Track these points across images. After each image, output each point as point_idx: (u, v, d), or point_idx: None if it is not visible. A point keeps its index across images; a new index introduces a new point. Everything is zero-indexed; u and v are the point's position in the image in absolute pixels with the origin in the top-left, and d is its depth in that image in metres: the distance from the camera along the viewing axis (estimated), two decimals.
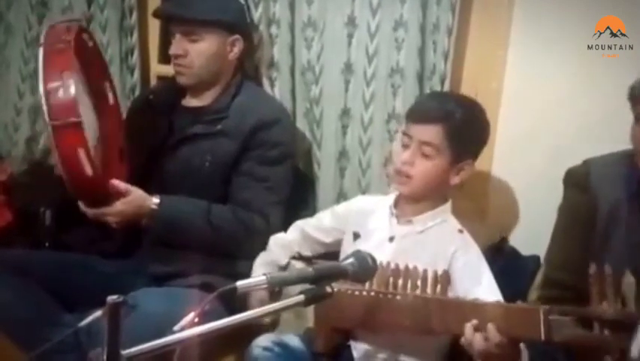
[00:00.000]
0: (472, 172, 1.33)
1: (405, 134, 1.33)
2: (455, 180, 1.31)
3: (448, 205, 1.35)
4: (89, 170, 1.27)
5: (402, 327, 1.16)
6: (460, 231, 1.33)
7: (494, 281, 1.25)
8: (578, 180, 1.33)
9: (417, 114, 1.33)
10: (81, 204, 1.40)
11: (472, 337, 1.04)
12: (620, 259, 0.86)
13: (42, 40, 1.30)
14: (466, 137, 1.29)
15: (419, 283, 1.14)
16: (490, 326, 1.02)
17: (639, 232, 1.22)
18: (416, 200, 1.33)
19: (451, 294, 1.16)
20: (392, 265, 1.17)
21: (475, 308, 1.07)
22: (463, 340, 1.06)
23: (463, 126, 1.28)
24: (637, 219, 1.24)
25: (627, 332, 0.92)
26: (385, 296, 1.16)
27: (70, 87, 1.25)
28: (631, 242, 1.21)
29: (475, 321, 1.04)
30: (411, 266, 1.16)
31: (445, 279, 1.14)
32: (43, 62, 1.27)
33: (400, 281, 1.15)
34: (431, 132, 1.27)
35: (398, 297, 1.15)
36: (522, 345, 1.10)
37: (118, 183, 1.39)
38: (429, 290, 1.14)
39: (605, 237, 1.24)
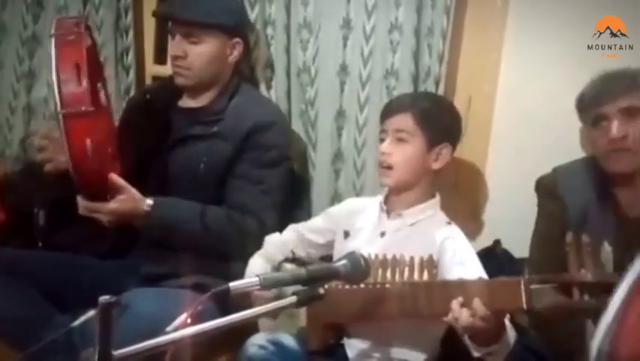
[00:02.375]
0: (451, 157, 1.37)
1: (381, 131, 1.40)
2: (435, 165, 1.35)
3: (436, 200, 1.39)
4: (94, 160, 1.28)
5: (391, 315, 1.18)
6: (448, 223, 1.37)
7: (482, 268, 1.27)
8: (547, 188, 1.41)
9: (387, 109, 1.41)
10: (79, 198, 1.39)
11: (459, 313, 1.06)
12: None
13: (52, 31, 1.30)
14: (436, 121, 1.35)
15: (406, 270, 1.17)
16: (477, 300, 1.05)
17: (608, 234, 1.25)
18: (403, 190, 1.36)
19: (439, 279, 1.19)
20: (380, 257, 1.19)
21: (459, 287, 1.10)
22: (450, 317, 1.08)
23: (431, 111, 1.35)
24: (605, 221, 1.27)
25: (606, 295, 0.93)
26: (374, 287, 1.18)
27: (83, 78, 1.26)
28: (603, 240, 1.24)
29: (460, 298, 1.07)
30: (398, 256, 1.18)
31: (430, 263, 1.17)
32: (55, 51, 1.27)
33: (389, 271, 1.18)
34: (401, 119, 1.34)
35: (387, 285, 1.18)
36: (508, 324, 1.12)
37: (116, 178, 1.39)
38: (416, 276, 1.16)
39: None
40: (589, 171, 1.35)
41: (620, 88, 1.27)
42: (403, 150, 1.33)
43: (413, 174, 1.34)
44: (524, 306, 1.04)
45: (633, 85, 1.26)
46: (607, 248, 1.22)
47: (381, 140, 1.38)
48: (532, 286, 1.03)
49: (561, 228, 1.32)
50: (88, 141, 1.26)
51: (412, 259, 1.18)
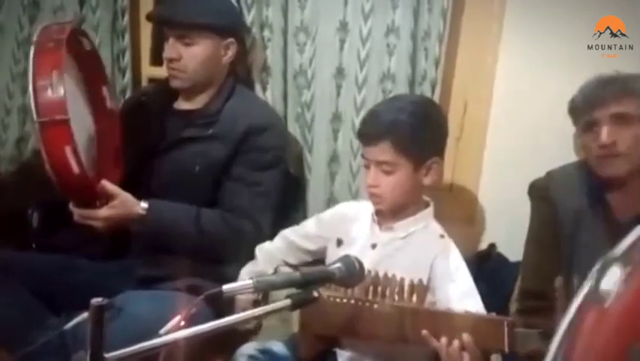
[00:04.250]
0: (442, 169, 1.32)
1: (363, 157, 1.33)
2: (427, 180, 1.29)
3: (429, 210, 1.35)
4: (75, 168, 1.26)
5: (378, 337, 1.15)
6: (442, 236, 1.33)
7: (474, 285, 1.26)
8: (540, 192, 1.40)
9: (363, 137, 1.32)
10: (71, 204, 1.39)
11: (450, 346, 1.05)
12: (586, 266, 0.89)
13: (35, 38, 1.30)
14: (419, 143, 1.26)
15: (397, 291, 1.14)
16: (466, 336, 1.04)
17: (602, 237, 1.25)
18: (397, 212, 1.33)
19: (430, 298, 1.17)
20: (372, 273, 1.16)
21: (446, 319, 1.08)
22: (436, 344, 1.07)
23: (411, 133, 1.25)
24: (598, 226, 1.27)
25: None
26: (364, 305, 1.15)
27: (59, 85, 1.25)
28: (595, 248, 1.24)
29: (444, 337, 1.06)
30: (390, 274, 1.15)
31: (420, 288, 1.13)
32: (33, 59, 1.26)
33: (380, 289, 1.14)
34: (381, 151, 1.26)
35: (375, 306, 1.14)
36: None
37: (106, 184, 1.38)
38: (405, 298, 1.14)
39: (571, 245, 1.27)
40: (581, 175, 1.35)
41: (611, 94, 1.26)
42: (390, 181, 1.26)
43: (405, 197, 1.30)
44: (506, 349, 1.03)
45: (624, 91, 1.26)
46: None
47: (366, 167, 1.31)
48: (518, 330, 1.02)
49: (554, 232, 1.33)
50: (67, 149, 1.24)
51: (402, 280, 1.14)
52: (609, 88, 1.27)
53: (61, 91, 1.25)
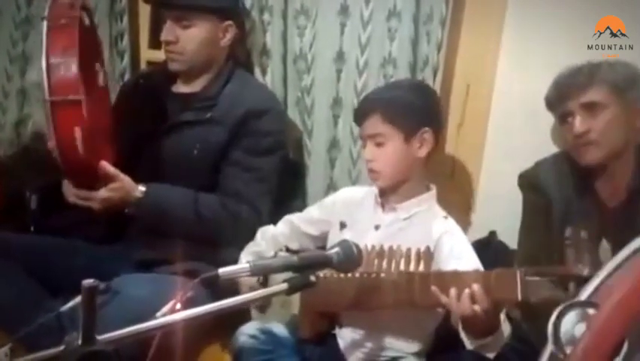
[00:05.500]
0: (435, 140, 1.36)
1: (360, 137, 1.40)
2: (421, 152, 1.33)
3: (432, 193, 1.37)
4: (81, 149, 1.25)
5: (386, 305, 1.17)
6: (445, 217, 1.35)
7: (479, 262, 1.26)
8: (530, 182, 1.44)
9: (357, 115, 1.41)
10: (67, 185, 1.38)
11: (461, 300, 1.06)
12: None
13: (46, 13, 1.28)
14: (406, 112, 1.32)
15: (402, 261, 1.16)
16: (477, 286, 1.06)
17: (592, 224, 1.26)
18: (397, 187, 1.35)
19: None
20: (377, 248, 1.19)
21: (454, 278, 1.10)
22: (445, 300, 1.09)
23: (397, 104, 1.33)
24: (588, 213, 1.29)
25: None
26: (370, 276, 1.18)
27: (73, 64, 1.23)
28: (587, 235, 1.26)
29: (454, 289, 1.08)
30: (395, 247, 1.18)
31: (427, 255, 1.16)
32: (46, 36, 1.24)
33: (384, 262, 1.17)
34: (372, 123, 1.33)
35: (382, 275, 1.17)
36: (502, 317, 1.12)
37: (107, 166, 1.37)
38: (412, 267, 1.16)
39: (563, 230, 1.28)
40: (568, 164, 1.38)
41: (579, 84, 1.30)
42: (384, 153, 1.32)
43: (402, 171, 1.33)
44: (519, 297, 1.04)
45: (592, 80, 1.29)
46: (605, 245, 1.23)
47: (364, 147, 1.38)
48: (528, 278, 1.03)
49: (546, 220, 1.37)
50: (77, 130, 1.23)
51: (408, 250, 1.17)
52: (578, 78, 1.31)
53: (74, 70, 1.23)
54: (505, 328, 1.13)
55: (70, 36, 1.25)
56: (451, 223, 1.34)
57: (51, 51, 1.23)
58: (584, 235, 1.04)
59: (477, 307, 1.06)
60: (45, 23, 1.26)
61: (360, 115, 1.37)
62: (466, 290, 1.06)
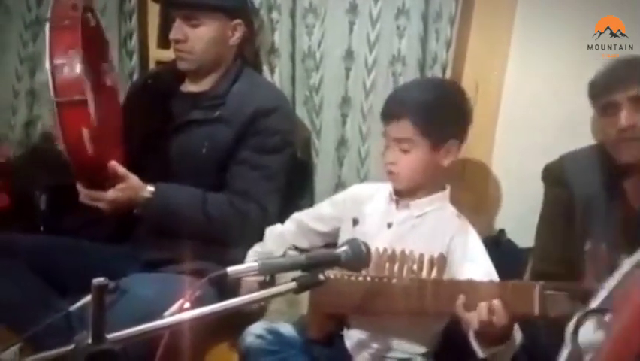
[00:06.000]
0: (460, 152, 1.33)
1: (384, 135, 1.35)
2: (445, 161, 1.30)
3: (446, 192, 1.35)
4: (89, 149, 1.25)
5: (396, 310, 1.16)
6: (459, 216, 1.33)
7: (492, 266, 1.25)
8: (554, 176, 1.40)
9: (385, 114, 1.33)
10: (78, 185, 1.38)
11: (479, 310, 1.04)
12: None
13: (48, 14, 1.28)
14: (439, 122, 1.28)
15: (415, 267, 1.15)
16: (496, 302, 1.03)
17: (615, 223, 1.23)
18: (414, 191, 1.33)
19: (447, 277, 1.17)
20: (388, 251, 1.17)
21: (469, 287, 1.08)
22: (461, 312, 1.07)
23: (431, 112, 1.27)
24: (612, 212, 1.26)
25: None
26: (381, 280, 1.16)
27: (76, 65, 1.23)
28: (608, 231, 1.23)
29: (478, 300, 1.05)
30: (407, 251, 1.16)
31: (441, 262, 1.14)
32: (49, 37, 1.24)
33: (396, 266, 1.16)
34: (401, 128, 1.28)
35: (394, 280, 1.15)
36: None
37: (117, 166, 1.37)
38: (424, 273, 1.14)
39: (584, 227, 1.26)
40: (597, 159, 1.34)
41: (631, 75, 1.25)
42: (407, 159, 1.28)
43: (422, 177, 1.30)
44: (537, 312, 1.02)
45: None
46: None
47: (386, 146, 1.32)
48: (546, 293, 1.01)
49: (567, 216, 1.32)
50: (84, 131, 1.23)
51: (421, 255, 1.15)
52: (629, 70, 1.25)
53: (78, 71, 1.23)
54: (517, 336, 1.11)
55: (73, 36, 1.25)
56: (465, 223, 1.32)
57: (54, 52, 1.23)
58: (604, 248, 1.01)
59: (494, 320, 1.04)
60: (47, 24, 1.26)
61: (389, 115, 1.31)
62: (483, 303, 1.04)
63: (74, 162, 1.27)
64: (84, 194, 1.38)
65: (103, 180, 1.36)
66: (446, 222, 1.30)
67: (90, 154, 1.26)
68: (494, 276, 1.21)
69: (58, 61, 1.23)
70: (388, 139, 1.31)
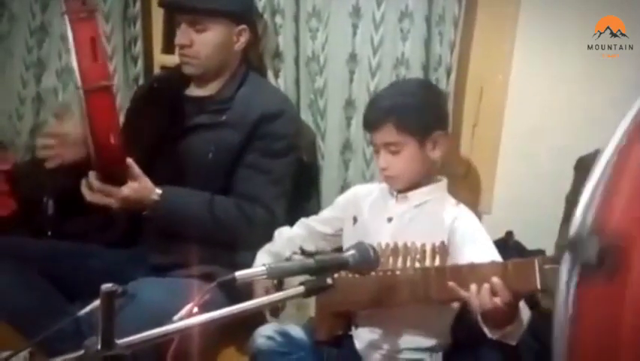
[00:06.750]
0: (449, 141, 1.36)
1: (370, 143, 1.38)
2: (435, 154, 1.33)
3: (443, 183, 1.37)
4: (114, 139, 1.28)
5: (403, 302, 1.17)
6: (457, 204, 1.35)
7: (494, 247, 1.26)
8: (586, 165, 1.38)
9: (368, 124, 1.37)
10: (88, 184, 1.38)
11: (481, 294, 1.05)
12: None
13: (64, 9, 1.29)
14: (419, 120, 1.31)
15: (418, 257, 1.16)
16: (496, 279, 1.04)
17: None
18: (412, 187, 1.35)
19: (450, 262, 1.18)
20: (391, 245, 1.19)
21: (472, 271, 1.09)
22: (464, 294, 1.08)
23: (412, 113, 1.31)
24: None
25: None
26: (385, 274, 1.18)
27: (99, 52, 1.27)
28: None
29: (474, 284, 1.07)
30: (409, 243, 1.18)
31: (442, 250, 1.16)
32: (71, 30, 1.27)
33: (400, 259, 1.17)
34: (386, 134, 1.31)
35: (398, 272, 1.17)
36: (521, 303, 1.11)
37: (132, 164, 1.38)
38: (427, 263, 1.16)
39: None
40: None
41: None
42: (398, 161, 1.31)
43: (417, 174, 1.33)
44: (539, 287, 1.02)
45: None
46: None
47: (376, 152, 1.36)
48: (547, 267, 1.01)
49: None
50: (112, 117, 1.28)
51: (423, 245, 1.17)
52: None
53: (101, 58, 1.27)
54: (525, 313, 1.12)
55: (93, 27, 1.28)
56: (463, 209, 1.33)
57: (78, 42, 1.25)
58: None
59: (497, 300, 1.05)
60: (66, 17, 1.28)
61: (372, 124, 1.34)
62: (486, 285, 1.06)
63: (99, 149, 1.29)
64: (97, 188, 1.37)
65: (120, 174, 1.36)
66: (445, 210, 1.32)
67: (114, 143, 1.28)
68: (496, 256, 1.22)
69: (83, 51, 1.25)
70: (376, 145, 1.35)
